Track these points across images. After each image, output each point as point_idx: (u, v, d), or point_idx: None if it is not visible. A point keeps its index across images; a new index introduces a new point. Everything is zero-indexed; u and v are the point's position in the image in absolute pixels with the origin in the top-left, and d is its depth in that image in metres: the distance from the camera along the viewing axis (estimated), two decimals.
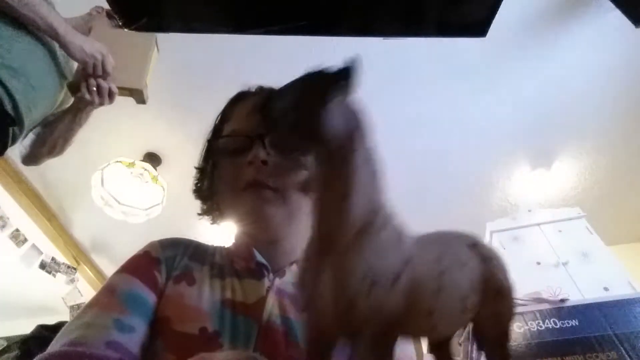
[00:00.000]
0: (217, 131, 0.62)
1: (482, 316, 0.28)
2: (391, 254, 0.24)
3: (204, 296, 0.48)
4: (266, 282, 0.51)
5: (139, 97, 1.20)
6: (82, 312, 0.46)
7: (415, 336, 0.26)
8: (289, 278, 0.53)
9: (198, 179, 0.63)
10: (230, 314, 0.46)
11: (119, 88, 1.15)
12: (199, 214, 0.63)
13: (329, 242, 0.24)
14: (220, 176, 0.58)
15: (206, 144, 0.63)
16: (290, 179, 0.53)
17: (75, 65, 1.19)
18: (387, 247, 0.24)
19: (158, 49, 1.33)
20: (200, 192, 0.62)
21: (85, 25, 1.26)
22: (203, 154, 0.63)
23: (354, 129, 0.25)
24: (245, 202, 0.53)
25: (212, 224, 0.63)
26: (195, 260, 0.54)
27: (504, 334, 0.28)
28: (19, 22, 0.96)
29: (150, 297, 0.47)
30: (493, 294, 0.27)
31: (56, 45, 1.10)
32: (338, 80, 0.24)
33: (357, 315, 0.22)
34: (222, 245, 0.61)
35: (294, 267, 0.55)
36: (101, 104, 1.11)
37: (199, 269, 0.52)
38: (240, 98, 0.64)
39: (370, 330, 0.22)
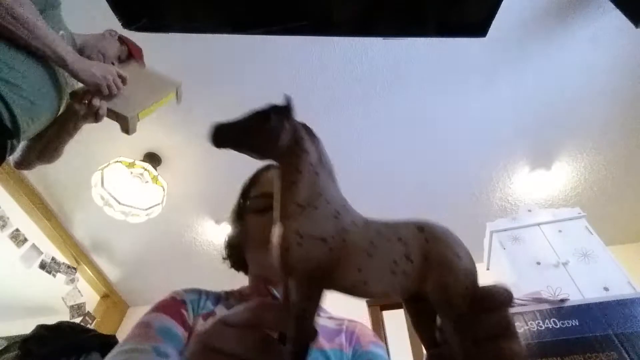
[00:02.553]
0: (245, 193, 0.75)
1: (428, 287, 0.34)
2: (324, 223, 0.32)
3: None
4: None
5: (124, 125, 1.18)
6: (122, 342, 0.53)
7: (350, 288, 0.33)
8: None
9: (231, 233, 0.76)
10: None
11: (107, 110, 1.15)
12: (224, 259, 0.75)
13: (281, 211, 0.34)
14: (248, 231, 0.69)
15: (237, 203, 0.76)
16: None
17: (76, 82, 1.21)
18: (322, 218, 0.32)
19: (179, 100, 1.33)
20: (231, 242, 0.74)
21: (95, 45, 1.26)
22: (235, 210, 0.76)
23: (299, 139, 0.35)
24: (267, 253, 0.60)
25: (230, 267, 0.76)
26: (215, 303, 0.64)
27: (449, 303, 0.33)
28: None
29: (180, 330, 0.55)
30: (435, 267, 0.34)
31: None
32: (276, 112, 0.34)
33: (290, 261, 0.31)
34: (227, 290, 0.72)
35: None
36: (85, 117, 1.13)
37: (219, 310, 0.62)
38: (267, 168, 0.77)
39: (298, 273, 0.31)
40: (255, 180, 0.75)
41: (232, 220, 0.76)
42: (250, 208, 0.69)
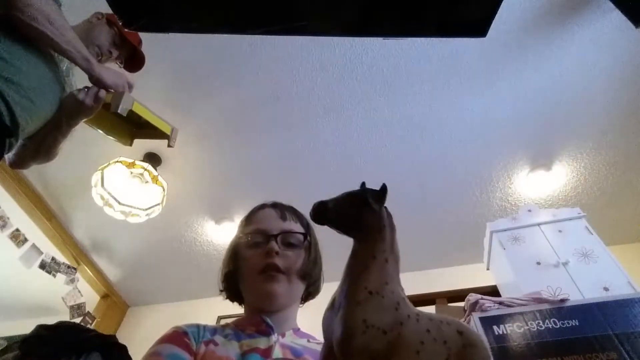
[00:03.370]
0: (242, 228, 0.83)
1: None
2: (387, 314, 0.36)
3: (228, 350, 0.65)
4: (273, 338, 0.68)
5: (116, 99, 1.15)
6: None
7: None
8: (288, 338, 0.71)
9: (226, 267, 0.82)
10: (249, 355, 0.63)
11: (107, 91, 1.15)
12: (221, 291, 0.81)
13: (349, 294, 0.38)
14: (243, 261, 0.77)
15: (235, 239, 0.83)
16: (294, 266, 0.74)
17: (75, 81, 1.21)
18: (386, 308, 0.37)
19: (173, 141, 1.40)
20: (227, 273, 0.80)
21: (87, 38, 1.24)
22: (232, 245, 0.83)
23: (383, 227, 0.41)
24: (261, 281, 0.73)
25: (225, 298, 0.82)
26: (213, 334, 0.70)
27: None
28: (27, 38, 1.01)
29: (185, 356, 0.62)
30: None
31: (59, 61, 1.12)
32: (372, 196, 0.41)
33: (352, 347, 0.35)
34: (222, 324, 0.77)
35: (291, 332, 0.73)
36: (82, 102, 1.12)
37: (217, 338, 0.69)
38: (261, 207, 0.85)
39: (359, 358, 0.34)
40: (251, 217, 0.83)
41: (228, 254, 0.82)
42: (247, 243, 0.78)
